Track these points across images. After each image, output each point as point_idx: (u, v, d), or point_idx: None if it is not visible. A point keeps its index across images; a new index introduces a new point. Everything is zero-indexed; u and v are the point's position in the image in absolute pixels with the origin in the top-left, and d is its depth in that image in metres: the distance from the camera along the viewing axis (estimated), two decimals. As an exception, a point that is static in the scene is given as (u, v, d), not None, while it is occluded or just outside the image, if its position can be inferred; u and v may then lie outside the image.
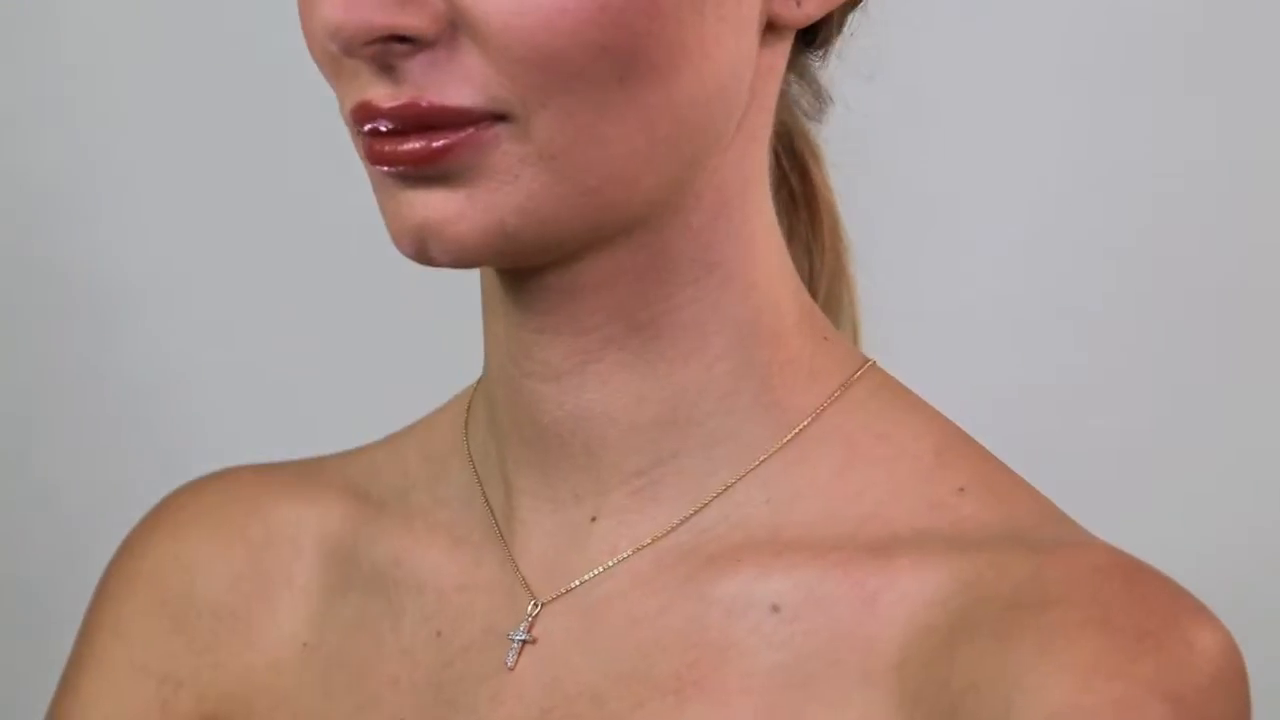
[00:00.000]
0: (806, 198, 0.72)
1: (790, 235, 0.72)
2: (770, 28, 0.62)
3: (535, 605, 0.65)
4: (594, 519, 0.64)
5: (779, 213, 0.72)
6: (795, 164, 0.72)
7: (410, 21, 0.56)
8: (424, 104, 0.57)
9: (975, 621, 0.57)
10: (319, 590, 0.71)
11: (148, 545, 0.74)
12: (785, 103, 0.71)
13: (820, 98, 0.71)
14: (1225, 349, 1.23)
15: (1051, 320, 1.24)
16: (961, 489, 0.62)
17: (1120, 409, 1.22)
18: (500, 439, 0.66)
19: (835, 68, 0.71)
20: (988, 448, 0.65)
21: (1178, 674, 0.54)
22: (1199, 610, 0.57)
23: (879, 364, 0.67)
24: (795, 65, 0.68)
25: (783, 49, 0.64)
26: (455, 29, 0.57)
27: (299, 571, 0.71)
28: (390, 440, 0.74)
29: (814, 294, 0.72)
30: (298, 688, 0.69)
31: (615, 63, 0.57)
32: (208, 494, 0.74)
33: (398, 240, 0.59)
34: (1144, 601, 0.56)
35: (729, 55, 0.60)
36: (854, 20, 0.68)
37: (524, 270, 0.62)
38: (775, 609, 0.61)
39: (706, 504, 0.63)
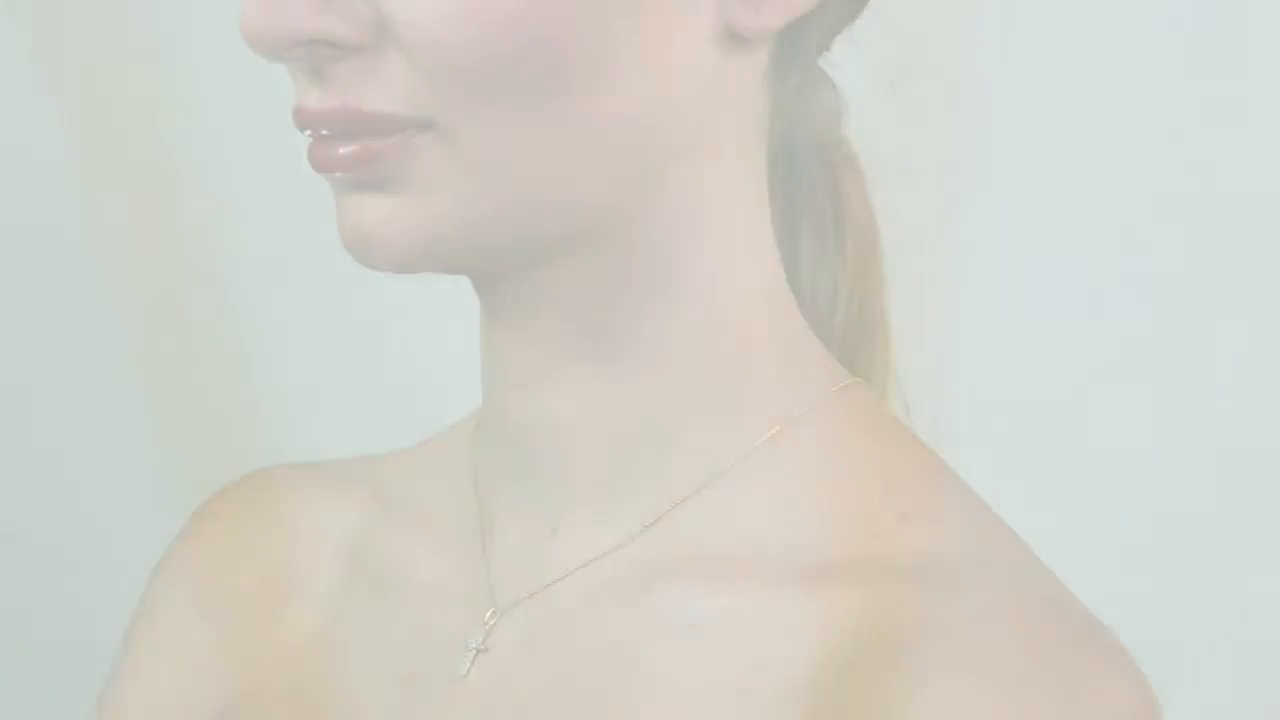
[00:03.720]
0: (835, 214, 0.70)
1: (821, 251, 0.70)
2: (735, 38, 0.61)
3: (493, 614, 0.65)
4: (555, 530, 0.64)
5: (817, 229, 0.70)
6: (827, 178, 0.70)
7: (330, 27, 0.57)
8: (349, 109, 0.58)
9: (870, 656, 0.55)
10: (334, 588, 0.72)
11: (188, 540, 0.76)
12: (822, 114, 0.69)
13: (830, 108, 0.69)
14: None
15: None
16: (904, 516, 0.60)
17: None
18: (489, 447, 0.67)
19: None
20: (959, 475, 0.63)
21: None
22: (1103, 659, 0.53)
23: (862, 386, 0.65)
24: (809, 75, 0.66)
25: (754, 60, 0.62)
26: (382, 35, 0.57)
27: (320, 569, 0.73)
28: (424, 442, 0.75)
29: (834, 313, 0.70)
30: (302, 684, 0.71)
31: (535, 72, 0.56)
32: (246, 492, 0.76)
33: (344, 243, 0.61)
34: (1030, 644, 0.53)
35: (674, 66, 0.59)
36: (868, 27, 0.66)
37: (484, 277, 0.62)
38: (695, 630, 0.60)
39: (654, 522, 0.62)
